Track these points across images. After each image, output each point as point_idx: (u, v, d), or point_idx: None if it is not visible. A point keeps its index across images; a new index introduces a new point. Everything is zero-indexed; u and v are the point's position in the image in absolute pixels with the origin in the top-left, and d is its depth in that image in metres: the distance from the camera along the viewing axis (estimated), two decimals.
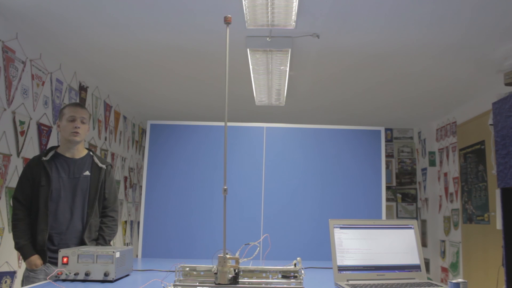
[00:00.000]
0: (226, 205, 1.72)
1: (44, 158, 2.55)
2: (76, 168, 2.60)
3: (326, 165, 3.52)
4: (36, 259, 2.45)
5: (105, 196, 2.67)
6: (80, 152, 2.65)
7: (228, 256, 1.63)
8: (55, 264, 2.43)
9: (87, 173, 2.61)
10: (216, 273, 1.63)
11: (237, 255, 1.66)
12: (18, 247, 2.49)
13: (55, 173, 2.54)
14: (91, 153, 2.70)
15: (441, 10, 2.90)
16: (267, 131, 3.56)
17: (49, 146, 3.60)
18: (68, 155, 2.61)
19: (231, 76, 4.27)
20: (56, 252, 2.44)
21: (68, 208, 2.53)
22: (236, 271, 1.64)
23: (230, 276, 1.63)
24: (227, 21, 1.77)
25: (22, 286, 2.51)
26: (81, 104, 2.68)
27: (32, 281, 2.41)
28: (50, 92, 3.69)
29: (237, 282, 1.64)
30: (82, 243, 2.54)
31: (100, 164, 2.67)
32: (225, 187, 1.70)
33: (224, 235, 1.67)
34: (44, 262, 2.46)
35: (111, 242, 2.76)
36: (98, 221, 2.65)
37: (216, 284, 1.63)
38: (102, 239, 2.62)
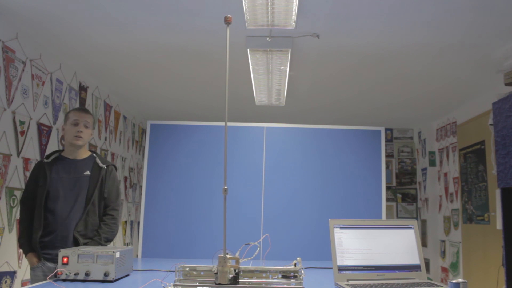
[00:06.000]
0: (226, 205, 1.72)
1: (45, 160, 2.65)
2: (78, 168, 2.66)
3: (326, 165, 3.52)
4: (31, 256, 2.53)
5: (104, 195, 2.67)
6: (83, 154, 2.72)
7: (228, 256, 1.63)
8: (50, 260, 2.50)
9: (87, 172, 2.66)
10: (216, 273, 1.63)
11: (237, 255, 1.66)
12: (19, 245, 2.61)
13: (55, 173, 2.61)
14: (94, 154, 2.76)
15: (441, 10, 2.90)
16: (267, 131, 3.56)
17: (49, 146, 3.61)
18: (70, 157, 2.69)
19: (231, 76, 4.27)
20: (51, 248, 2.50)
21: (67, 206, 2.57)
22: (237, 271, 1.64)
23: (230, 276, 1.63)
24: (227, 21, 1.78)
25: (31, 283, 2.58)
26: (86, 109, 2.79)
27: (33, 278, 2.50)
28: (50, 92, 3.69)
29: (237, 282, 1.64)
30: (75, 239, 2.54)
31: (101, 164, 2.71)
32: (226, 187, 1.70)
33: (224, 235, 1.67)
34: (39, 259, 2.51)
35: (112, 243, 2.76)
36: (97, 220, 2.65)
37: (216, 284, 1.63)
38: (98, 236, 2.61)
